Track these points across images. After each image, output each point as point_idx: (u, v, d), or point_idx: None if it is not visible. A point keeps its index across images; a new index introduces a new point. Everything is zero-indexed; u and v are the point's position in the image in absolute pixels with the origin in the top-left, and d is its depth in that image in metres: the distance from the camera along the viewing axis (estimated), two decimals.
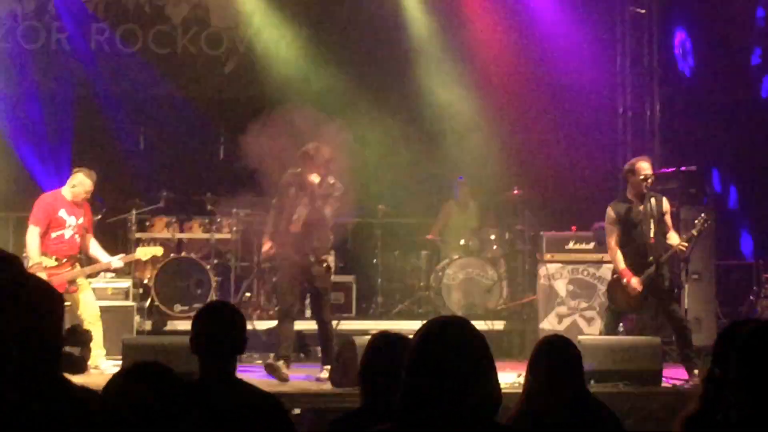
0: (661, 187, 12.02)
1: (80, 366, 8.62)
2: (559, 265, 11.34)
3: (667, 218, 9.53)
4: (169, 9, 14.66)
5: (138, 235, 12.15)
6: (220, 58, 14.82)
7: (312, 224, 9.29)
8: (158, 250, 10.64)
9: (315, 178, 9.21)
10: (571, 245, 11.42)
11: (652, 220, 9.36)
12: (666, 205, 9.54)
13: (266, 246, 9.48)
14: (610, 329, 9.71)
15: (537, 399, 4.38)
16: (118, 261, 10.12)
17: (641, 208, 9.41)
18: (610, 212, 9.55)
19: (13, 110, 13.83)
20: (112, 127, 14.09)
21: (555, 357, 4.45)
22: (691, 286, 11.46)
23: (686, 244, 9.29)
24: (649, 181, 9.38)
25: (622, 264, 9.44)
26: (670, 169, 12.26)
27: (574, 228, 11.63)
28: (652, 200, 9.43)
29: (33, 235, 9.63)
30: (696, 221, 9.44)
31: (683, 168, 12.10)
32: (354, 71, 14.64)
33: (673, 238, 9.39)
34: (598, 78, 14.03)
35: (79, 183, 9.78)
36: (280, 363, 9.10)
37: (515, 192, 12.21)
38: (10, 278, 3.39)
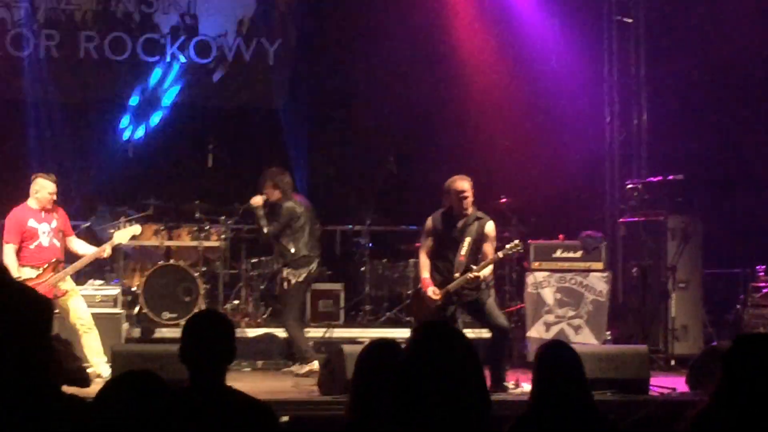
0: (648, 197, 12.06)
1: (84, 380, 8.61)
2: (547, 273, 11.32)
3: (487, 246, 9.04)
4: (157, 17, 14.66)
5: (127, 242, 12.10)
6: (208, 66, 14.84)
7: None
8: (136, 229, 10.40)
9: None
10: (558, 254, 11.41)
11: (468, 239, 9.01)
12: (488, 229, 9.07)
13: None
14: None
15: (541, 405, 4.38)
16: (108, 248, 9.94)
17: (459, 224, 9.09)
18: (428, 221, 9.29)
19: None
20: (101, 134, 14.07)
21: (554, 363, 4.46)
22: (678, 295, 11.50)
23: (477, 274, 8.83)
24: (466, 200, 9.02)
25: (424, 272, 9.22)
26: (656, 178, 12.29)
27: (561, 236, 11.63)
28: (477, 222, 9.06)
29: (9, 252, 9.55)
30: (507, 246, 9.10)
31: (670, 177, 12.13)
32: (343, 78, 14.68)
33: (480, 265, 8.95)
34: (585, 87, 14.05)
35: (41, 187, 9.68)
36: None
37: (502, 200, 12.22)
38: None
